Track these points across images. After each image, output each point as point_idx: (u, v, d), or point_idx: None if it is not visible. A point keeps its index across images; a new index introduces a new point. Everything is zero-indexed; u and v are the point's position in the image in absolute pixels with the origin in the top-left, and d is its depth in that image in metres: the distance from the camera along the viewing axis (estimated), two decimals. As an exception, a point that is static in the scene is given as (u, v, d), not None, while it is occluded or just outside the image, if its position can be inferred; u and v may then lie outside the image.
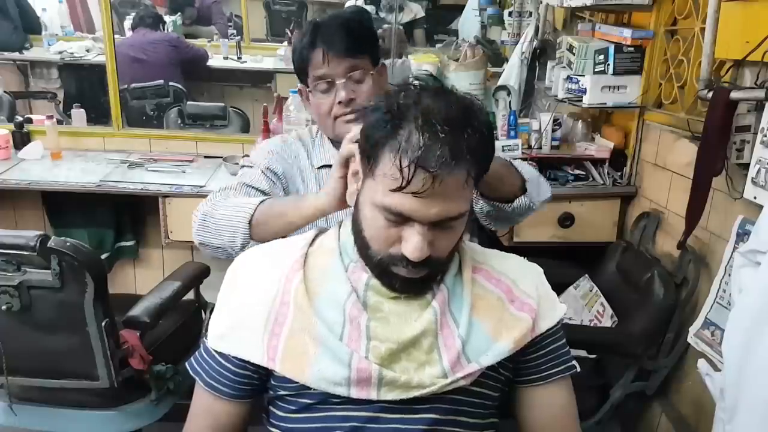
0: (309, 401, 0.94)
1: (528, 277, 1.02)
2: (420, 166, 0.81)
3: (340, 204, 1.06)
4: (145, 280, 2.73)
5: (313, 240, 1.03)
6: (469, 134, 0.84)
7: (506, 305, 0.97)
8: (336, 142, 1.35)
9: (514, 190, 1.28)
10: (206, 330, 1.02)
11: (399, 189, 0.83)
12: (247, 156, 1.42)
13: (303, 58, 1.32)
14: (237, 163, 2.32)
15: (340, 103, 1.30)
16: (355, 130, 0.94)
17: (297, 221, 1.14)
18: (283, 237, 1.12)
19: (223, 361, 0.98)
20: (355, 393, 0.91)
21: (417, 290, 0.94)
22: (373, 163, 0.87)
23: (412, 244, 0.86)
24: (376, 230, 0.89)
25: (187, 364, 1.02)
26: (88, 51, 4.18)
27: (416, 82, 0.91)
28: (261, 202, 1.20)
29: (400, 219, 0.86)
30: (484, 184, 1.08)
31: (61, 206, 2.63)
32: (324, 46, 1.28)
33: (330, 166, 1.34)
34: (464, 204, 0.88)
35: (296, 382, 0.93)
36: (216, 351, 0.98)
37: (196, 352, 1.03)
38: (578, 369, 1.04)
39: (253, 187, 1.32)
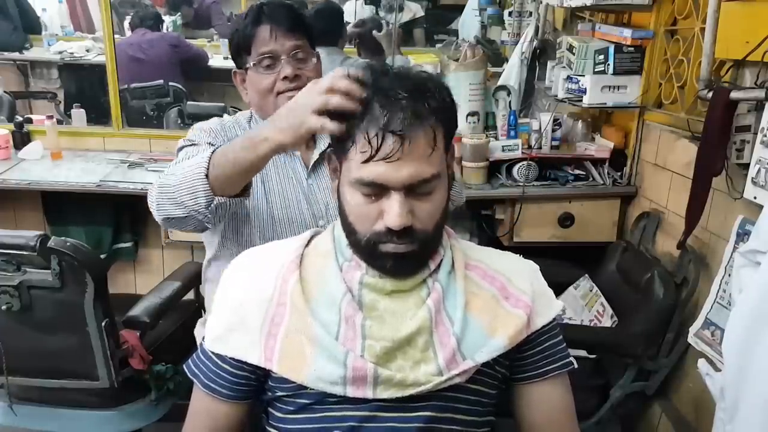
0: (306, 401, 0.95)
1: (523, 274, 1.02)
2: (386, 131, 0.85)
3: (300, 139, 1.00)
4: (145, 281, 2.73)
5: (309, 241, 1.03)
6: (428, 97, 0.89)
7: (501, 302, 0.98)
8: None
9: None
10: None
11: (371, 158, 0.86)
12: (186, 139, 1.36)
13: (247, 35, 1.33)
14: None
15: (285, 78, 1.31)
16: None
17: (255, 161, 1.06)
18: (244, 183, 1.15)
19: (220, 363, 0.98)
20: (352, 392, 0.91)
21: (409, 269, 0.94)
22: (345, 143, 0.90)
23: (392, 211, 0.87)
24: (357, 210, 0.91)
25: (185, 366, 1.03)
26: (88, 51, 4.18)
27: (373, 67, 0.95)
28: (212, 152, 1.12)
29: (377, 190, 0.88)
30: None
31: (60, 206, 2.63)
32: (271, 22, 1.32)
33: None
34: (436, 166, 0.90)
35: (293, 383, 0.93)
36: (213, 353, 0.98)
37: (194, 354, 1.03)
38: (575, 365, 1.04)
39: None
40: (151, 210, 1.21)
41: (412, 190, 0.88)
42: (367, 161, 0.86)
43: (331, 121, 0.91)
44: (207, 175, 1.10)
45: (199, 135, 1.35)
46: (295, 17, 1.35)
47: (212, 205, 1.15)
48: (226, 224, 1.36)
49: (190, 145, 1.32)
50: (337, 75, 0.92)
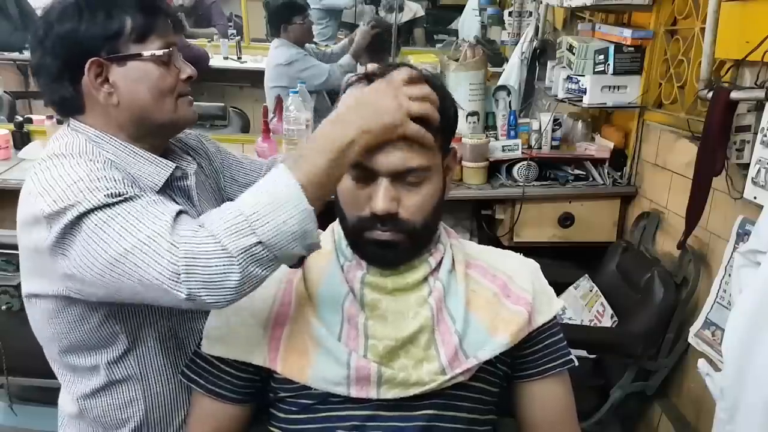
0: (309, 401, 0.95)
1: (524, 272, 1.02)
2: None
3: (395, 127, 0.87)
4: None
5: None
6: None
7: (502, 300, 0.98)
8: (147, 137, 1.07)
9: None
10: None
11: None
12: (110, 194, 0.90)
13: (145, 22, 1.03)
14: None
15: (188, 79, 1.09)
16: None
17: (346, 168, 0.87)
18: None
19: (222, 365, 0.98)
20: (355, 392, 0.91)
21: (390, 258, 0.94)
22: None
23: (377, 195, 0.88)
24: (346, 194, 0.92)
25: (180, 373, 1.02)
26: (88, 51, 4.18)
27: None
28: (299, 184, 0.82)
29: (366, 174, 0.89)
30: None
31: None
32: (168, 15, 1.08)
33: (168, 184, 1.07)
34: (426, 158, 0.90)
35: (297, 383, 0.94)
36: (213, 356, 0.98)
37: (188, 361, 1.02)
38: (576, 363, 1.04)
39: (185, 213, 0.91)
40: (204, 296, 0.81)
41: (401, 178, 0.89)
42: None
43: (427, 132, 0.88)
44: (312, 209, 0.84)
45: (114, 185, 0.92)
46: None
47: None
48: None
49: (124, 201, 0.90)
50: (413, 77, 0.89)
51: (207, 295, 0.81)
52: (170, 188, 1.09)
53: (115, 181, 0.93)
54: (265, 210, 0.80)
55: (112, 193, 0.90)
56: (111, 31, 1.01)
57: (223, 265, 0.80)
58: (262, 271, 0.82)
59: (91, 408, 1.11)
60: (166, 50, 1.05)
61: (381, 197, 0.88)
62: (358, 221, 0.92)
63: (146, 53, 1.03)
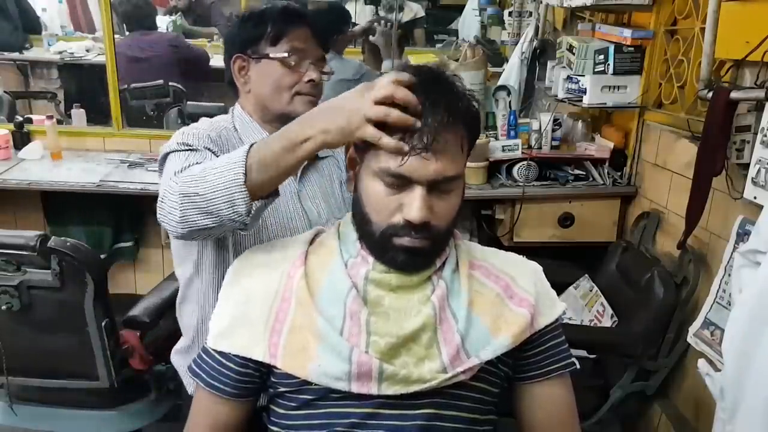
0: (309, 397, 0.95)
1: (526, 274, 1.03)
2: (423, 125, 0.87)
3: (347, 142, 0.96)
4: (145, 281, 2.72)
5: (313, 239, 1.04)
6: (461, 98, 0.93)
7: (505, 301, 0.98)
8: (273, 122, 1.31)
9: None
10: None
11: (402, 150, 0.87)
12: (181, 143, 1.22)
13: (282, 25, 1.30)
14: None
15: (310, 81, 1.30)
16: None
17: (296, 163, 0.97)
18: (280, 183, 1.02)
19: (224, 360, 0.98)
20: (356, 388, 0.91)
21: (418, 265, 0.95)
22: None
23: (414, 205, 0.89)
24: (376, 200, 0.92)
25: (187, 367, 1.03)
26: (88, 51, 4.18)
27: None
28: (246, 152, 0.97)
29: (401, 182, 0.89)
30: None
31: (60, 206, 2.63)
32: (310, 27, 1.33)
33: None
34: (460, 167, 0.92)
35: (297, 378, 0.94)
36: (216, 350, 0.98)
37: (196, 356, 1.03)
38: (578, 366, 1.04)
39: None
40: (163, 222, 1.05)
41: (435, 187, 0.90)
42: (399, 153, 0.87)
43: (386, 137, 0.88)
44: (245, 182, 0.97)
45: (196, 140, 1.22)
46: (327, 33, 1.39)
47: (253, 211, 1.00)
48: (208, 243, 1.28)
49: (187, 150, 1.19)
50: (391, 82, 0.89)
51: (165, 223, 1.04)
52: None
53: (198, 138, 1.23)
54: (212, 170, 0.98)
55: (182, 143, 1.21)
56: (254, 35, 1.31)
57: (172, 202, 1.01)
58: (199, 218, 1.00)
59: (180, 314, 1.44)
60: (292, 54, 1.29)
61: (419, 207, 0.88)
62: (388, 228, 0.92)
63: (273, 55, 1.29)
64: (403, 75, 0.90)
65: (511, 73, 2.73)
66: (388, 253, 0.93)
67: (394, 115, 0.87)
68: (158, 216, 1.06)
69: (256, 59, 1.31)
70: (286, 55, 1.29)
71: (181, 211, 1.00)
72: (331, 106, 0.94)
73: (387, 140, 0.88)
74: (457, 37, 3.80)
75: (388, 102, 0.87)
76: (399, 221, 0.90)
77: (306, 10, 1.38)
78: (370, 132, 0.88)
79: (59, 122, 3.03)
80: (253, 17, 1.34)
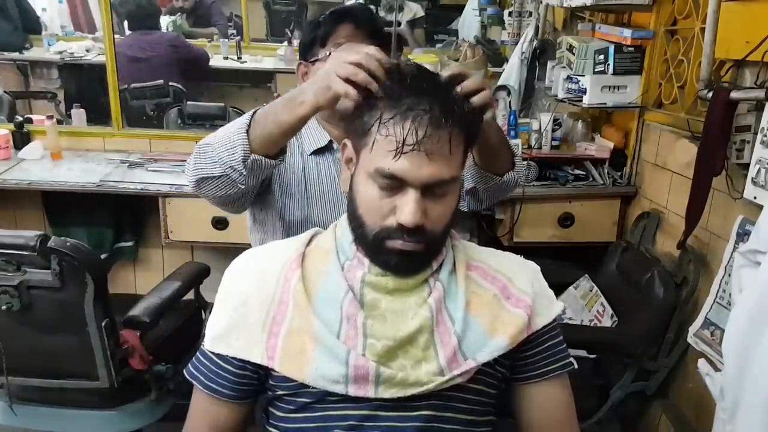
0: (307, 400, 0.95)
1: (524, 274, 1.02)
2: (415, 126, 0.86)
3: (332, 102, 1.02)
4: (145, 281, 2.73)
5: (310, 240, 1.04)
6: (457, 101, 0.93)
7: (502, 302, 0.98)
8: (330, 120, 1.38)
9: (507, 164, 1.34)
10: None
11: (396, 151, 0.86)
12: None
13: (328, 27, 1.34)
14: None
15: None
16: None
17: (294, 122, 1.09)
18: (283, 143, 1.17)
19: (221, 363, 0.98)
20: (353, 391, 0.91)
21: (412, 268, 0.94)
22: (367, 134, 0.90)
23: (407, 208, 0.88)
24: (370, 202, 0.91)
25: (185, 370, 1.02)
26: (88, 51, 4.18)
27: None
28: (254, 111, 1.15)
29: (394, 184, 0.88)
30: (483, 150, 1.24)
31: (60, 206, 2.63)
32: (355, 22, 1.35)
33: (322, 149, 1.38)
34: (455, 169, 0.91)
35: (295, 381, 0.93)
36: (213, 353, 0.98)
37: (194, 358, 1.02)
38: (575, 366, 1.04)
39: None
40: (186, 177, 1.22)
41: (429, 190, 0.89)
42: (391, 153, 0.86)
43: (351, 89, 0.93)
44: (247, 132, 1.12)
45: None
46: (378, 24, 1.40)
47: (249, 161, 1.13)
48: (262, 211, 1.38)
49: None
50: (369, 53, 0.95)
51: (186, 177, 1.22)
52: (329, 151, 1.40)
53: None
54: (227, 126, 1.16)
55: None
56: (310, 41, 1.37)
57: (192, 156, 1.19)
58: (207, 166, 1.16)
59: None
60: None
61: (412, 210, 0.87)
62: (381, 230, 0.91)
63: (321, 55, 1.33)
64: (381, 53, 0.95)
65: (511, 73, 2.73)
66: (381, 256, 0.93)
67: (361, 76, 0.93)
68: (185, 169, 1.23)
69: (312, 62, 1.36)
70: (328, 53, 1.31)
71: (194, 160, 1.18)
72: (323, 69, 1.03)
73: (352, 92, 0.93)
74: (457, 37, 3.80)
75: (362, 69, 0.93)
76: (392, 224, 0.90)
77: (352, 6, 1.40)
78: (338, 85, 0.95)
79: (59, 122, 3.03)
80: (310, 24, 1.41)
